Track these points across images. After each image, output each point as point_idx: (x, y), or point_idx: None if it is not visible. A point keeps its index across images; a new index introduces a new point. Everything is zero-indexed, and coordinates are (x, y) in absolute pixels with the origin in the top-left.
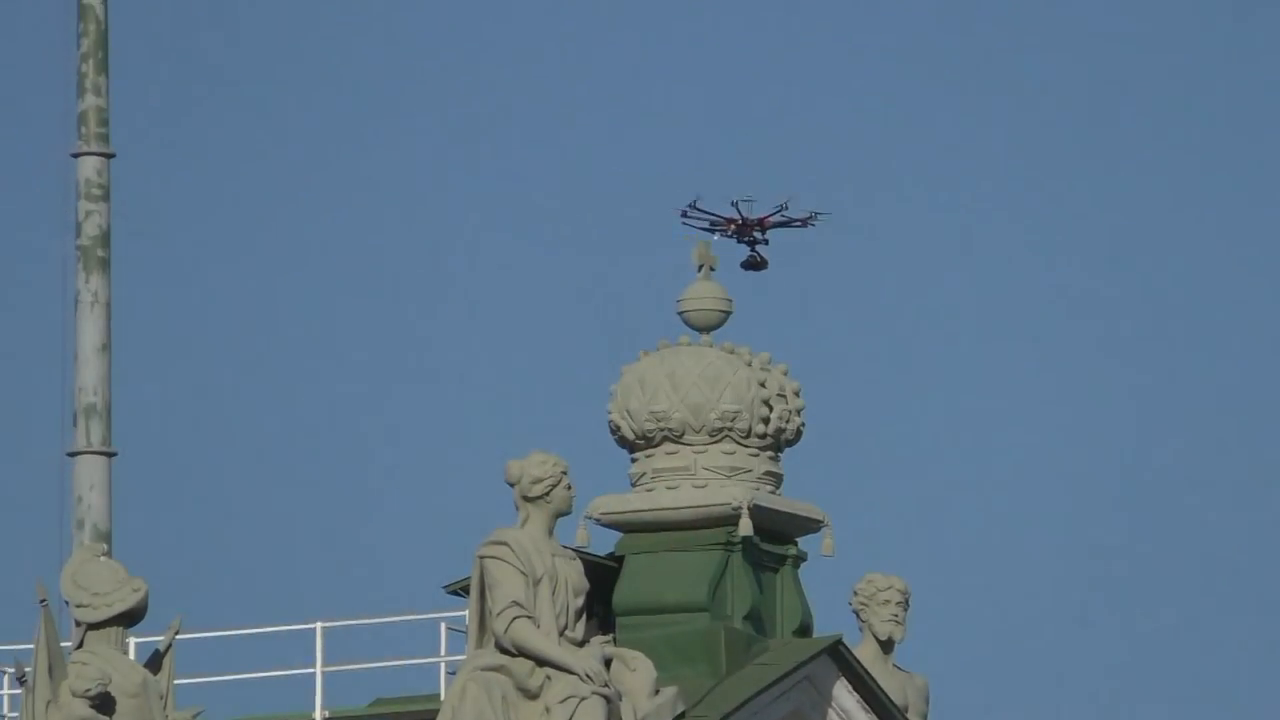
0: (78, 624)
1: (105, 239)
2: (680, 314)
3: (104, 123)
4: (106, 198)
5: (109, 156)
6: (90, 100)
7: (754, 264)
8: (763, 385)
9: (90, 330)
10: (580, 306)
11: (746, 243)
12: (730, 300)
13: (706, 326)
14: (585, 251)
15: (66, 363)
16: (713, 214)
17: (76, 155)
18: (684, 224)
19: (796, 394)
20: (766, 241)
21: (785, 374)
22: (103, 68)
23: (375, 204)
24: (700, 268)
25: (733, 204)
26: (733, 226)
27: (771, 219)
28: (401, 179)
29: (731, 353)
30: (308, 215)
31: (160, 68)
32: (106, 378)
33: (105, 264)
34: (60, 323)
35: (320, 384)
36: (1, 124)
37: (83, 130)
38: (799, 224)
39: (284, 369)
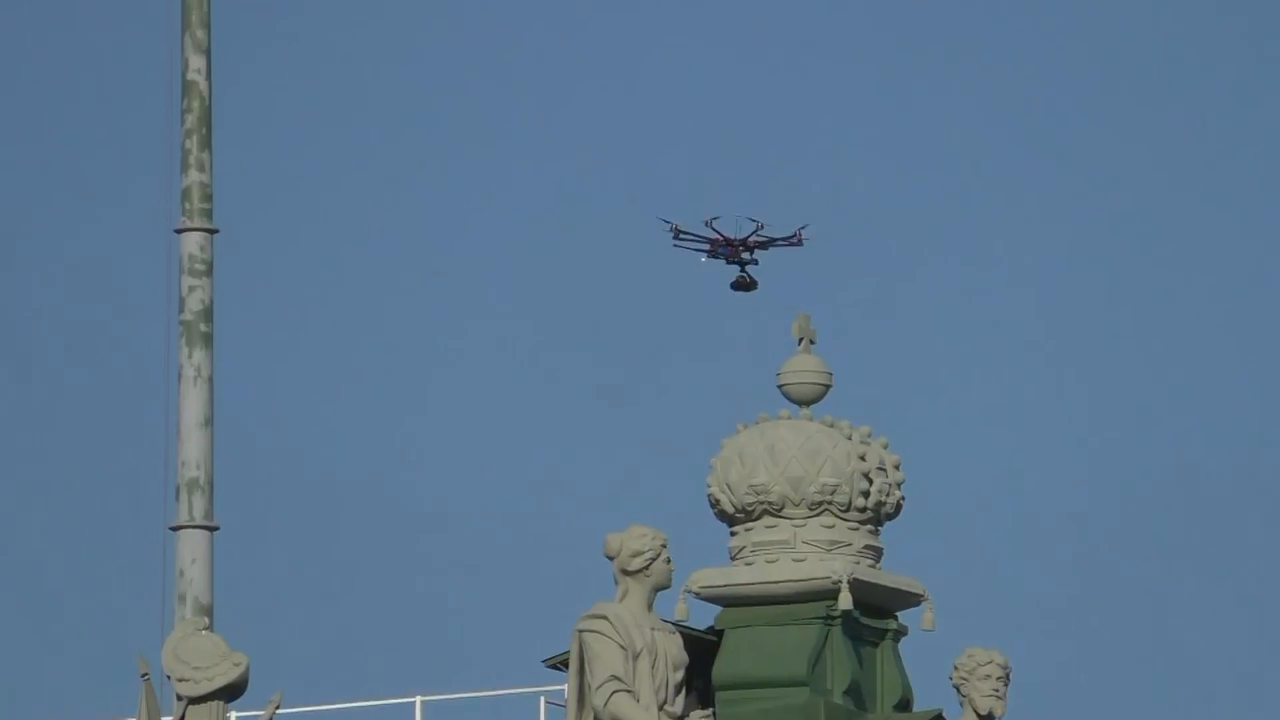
0: (179, 698)
1: (208, 314)
2: (780, 387)
3: (207, 198)
4: (210, 273)
5: (212, 232)
6: (194, 176)
7: (743, 284)
8: (863, 459)
9: (193, 405)
10: (681, 381)
11: (736, 263)
12: (830, 373)
13: (806, 400)
14: (684, 326)
15: (169, 437)
16: (703, 235)
17: (180, 231)
18: (676, 246)
19: (897, 467)
20: (756, 262)
21: (885, 447)
22: (206, 144)
23: (478, 279)
24: (800, 341)
25: (706, 223)
26: (718, 247)
27: (766, 240)
28: (506, 257)
29: (831, 426)
30: (408, 290)
31: (263, 144)
32: (209, 452)
33: (208, 339)
34: (163, 397)
35: (422, 459)
36: (106, 200)
37: (186, 206)
38: (784, 242)
39: (385, 444)
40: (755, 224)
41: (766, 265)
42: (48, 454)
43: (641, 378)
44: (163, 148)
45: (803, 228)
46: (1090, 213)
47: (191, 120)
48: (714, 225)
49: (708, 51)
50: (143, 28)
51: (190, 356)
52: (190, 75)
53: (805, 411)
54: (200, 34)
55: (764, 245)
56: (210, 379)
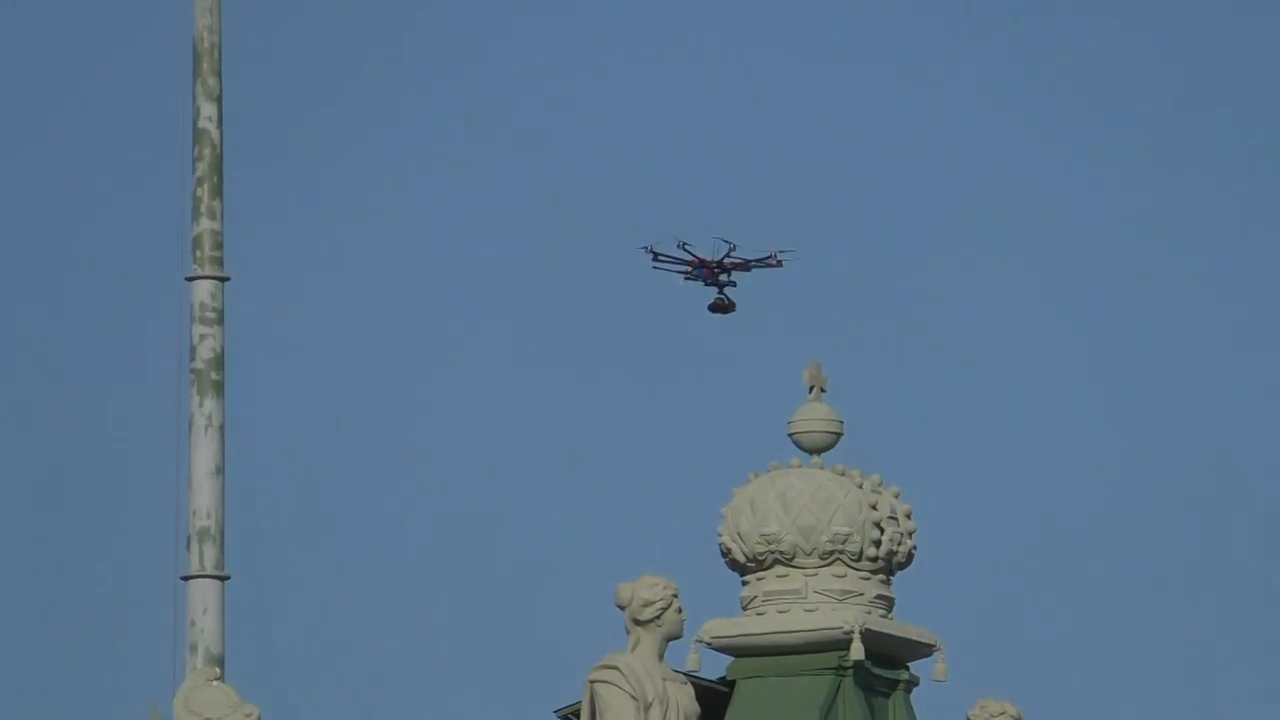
0: None
1: (219, 362)
2: (791, 435)
3: (218, 246)
4: (220, 321)
5: (223, 280)
6: (205, 224)
7: (721, 306)
8: (874, 508)
9: (204, 454)
10: (690, 428)
11: (714, 285)
12: (841, 422)
13: (817, 448)
14: (692, 369)
15: (180, 486)
16: (677, 257)
17: (191, 279)
18: (656, 268)
19: (908, 516)
20: (734, 284)
21: (897, 496)
22: (217, 191)
23: (489, 329)
24: (811, 389)
25: (679, 245)
26: (694, 269)
27: (744, 261)
28: (519, 308)
29: (843, 474)
30: (421, 339)
31: (275, 191)
32: (220, 501)
33: (219, 387)
34: (174, 446)
35: (433, 508)
36: (116, 248)
37: (197, 254)
38: (759, 264)
39: (396, 493)
40: (728, 245)
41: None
42: (58, 502)
43: (651, 426)
44: (173, 195)
45: (780, 251)
46: (1105, 247)
47: (202, 168)
48: (686, 247)
49: (687, 70)
50: (153, 75)
51: (201, 405)
52: (201, 123)
53: (816, 460)
54: (211, 81)
55: (743, 267)
56: (221, 428)
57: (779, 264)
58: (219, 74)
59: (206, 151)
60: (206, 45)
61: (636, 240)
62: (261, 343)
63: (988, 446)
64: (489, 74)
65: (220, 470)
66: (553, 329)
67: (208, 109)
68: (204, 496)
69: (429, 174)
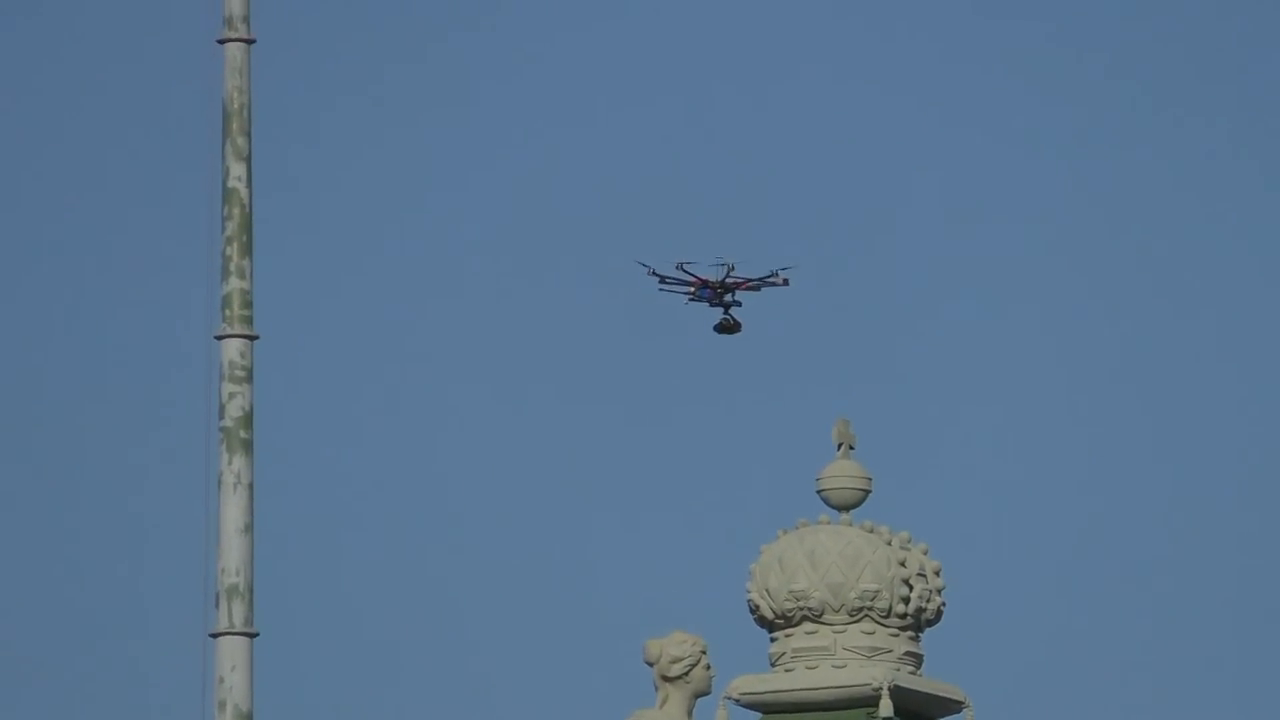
0: None
1: (248, 421)
2: (819, 492)
3: (247, 305)
4: (250, 379)
5: (252, 339)
6: (234, 283)
7: (727, 327)
8: (903, 564)
9: (233, 511)
10: (719, 485)
11: (720, 306)
12: (869, 479)
13: (846, 505)
14: (720, 417)
15: (209, 544)
16: (677, 278)
17: (220, 338)
18: (662, 290)
19: (937, 573)
20: (739, 304)
21: (926, 553)
22: (246, 251)
23: (517, 390)
24: (839, 446)
25: (678, 266)
26: (698, 289)
27: (747, 280)
28: (545, 369)
29: (871, 531)
30: (449, 400)
31: (304, 250)
32: (249, 559)
33: (248, 445)
34: (203, 504)
35: (458, 565)
36: (146, 307)
37: (226, 313)
38: (759, 283)
39: (423, 552)
40: (726, 266)
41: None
42: (89, 559)
43: (680, 481)
44: (203, 254)
45: (783, 269)
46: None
47: (232, 227)
48: (685, 268)
49: (684, 92)
50: (184, 135)
51: (230, 463)
52: (231, 182)
53: (845, 517)
54: (241, 141)
55: (753, 287)
56: (250, 485)
57: (784, 282)
58: (248, 134)
59: (236, 211)
60: (236, 106)
61: (640, 265)
62: (291, 401)
63: (1017, 501)
64: (501, 126)
65: (249, 528)
66: (573, 373)
67: (237, 169)
68: (233, 554)
69: (455, 235)
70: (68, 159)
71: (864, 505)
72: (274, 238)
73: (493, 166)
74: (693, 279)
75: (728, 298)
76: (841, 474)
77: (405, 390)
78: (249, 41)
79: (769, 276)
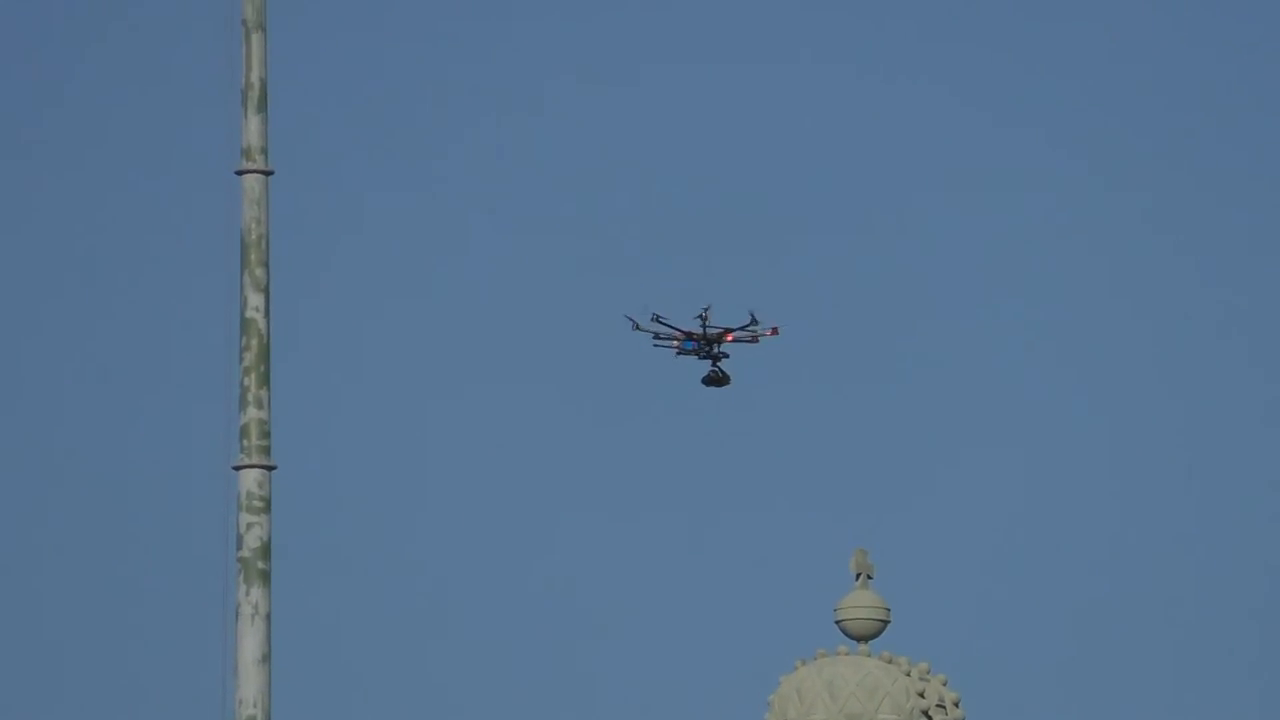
0: None
1: (266, 551)
2: (838, 623)
3: (265, 435)
4: (268, 510)
5: (270, 469)
6: (252, 413)
7: (715, 379)
8: (921, 695)
9: (250, 642)
10: (737, 616)
11: (709, 358)
12: (888, 609)
13: (864, 635)
14: (744, 549)
15: (226, 675)
16: (672, 331)
17: (238, 468)
18: (656, 346)
19: (956, 704)
20: (727, 355)
21: (945, 684)
22: (264, 381)
23: (532, 520)
24: (858, 576)
25: (653, 318)
26: (683, 342)
27: (734, 331)
28: (558, 490)
29: (890, 662)
30: (467, 528)
31: (319, 379)
32: (266, 689)
33: (266, 576)
34: (220, 634)
35: (475, 694)
36: (164, 437)
37: (244, 443)
38: (751, 335)
39: (440, 680)
40: (701, 316)
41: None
42: (108, 693)
43: (698, 614)
44: (221, 384)
45: (755, 316)
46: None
47: (250, 358)
48: (661, 319)
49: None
50: (202, 265)
51: (248, 594)
52: (249, 313)
53: (863, 647)
54: (259, 273)
55: (750, 339)
56: (268, 616)
57: (774, 332)
58: (266, 265)
59: (254, 341)
60: (254, 236)
61: (626, 319)
62: (309, 532)
63: (1036, 630)
64: (501, 257)
65: (267, 659)
66: (589, 490)
67: (255, 299)
68: (250, 685)
69: (468, 359)
70: (89, 289)
71: (882, 635)
72: (292, 367)
73: (497, 291)
74: (676, 331)
75: (716, 349)
76: (860, 605)
77: (424, 521)
78: (267, 173)
79: (750, 324)
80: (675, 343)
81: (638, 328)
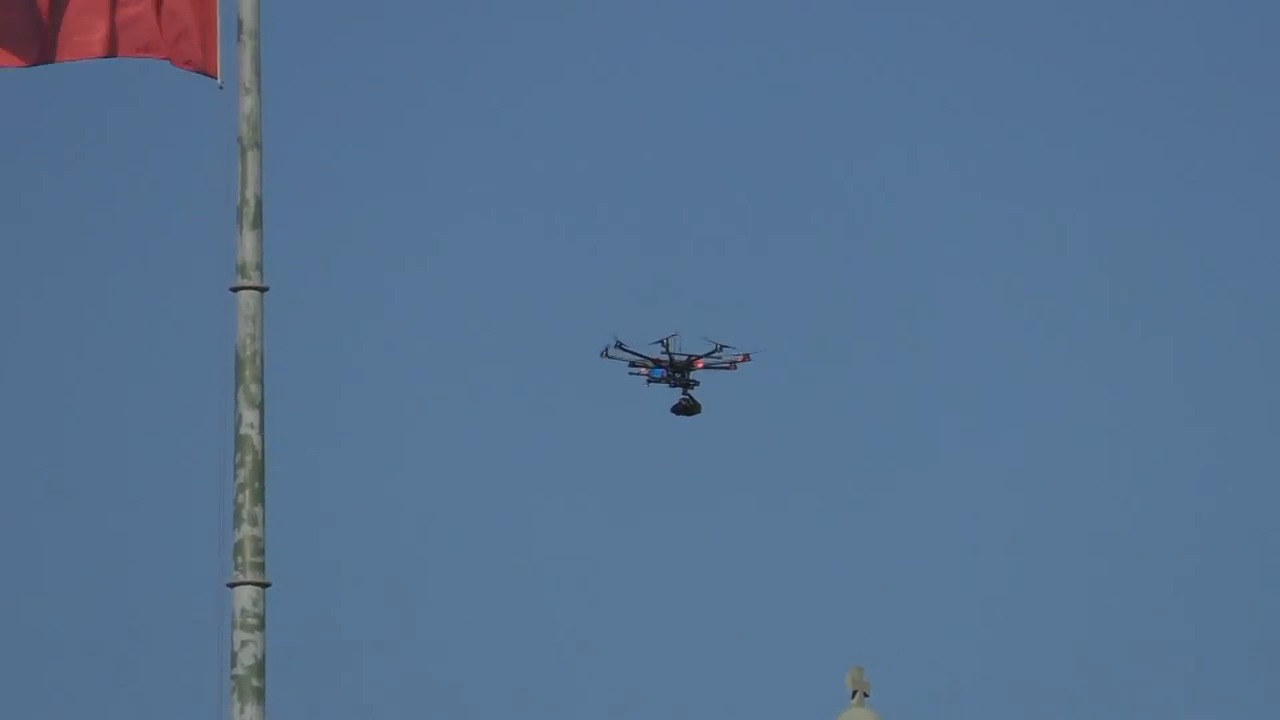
0: None
1: (260, 669)
2: None
3: (259, 552)
4: (262, 627)
5: (264, 586)
6: (246, 530)
7: (685, 408)
8: None
9: None
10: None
11: (679, 385)
12: None
13: None
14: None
15: None
16: (641, 359)
17: (232, 585)
18: (632, 374)
19: None
20: (698, 383)
21: None
22: (259, 497)
23: (527, 632)
24: (854, 694)
25: (617, 344)
26: (651, 369)
27: (704, 359)
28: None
29: None
30: (462, 642)
31: (315, 494)
32: None
33: (260, 694)
34: None
35: None
36: (157, 554)
37: (238, 560)
38: (727, 363)
39: None
40: (661, 342)
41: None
42: None
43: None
44: (215, 501)
45: (720, 349)
46: None
47: (244, 474)
48: (624, 346)
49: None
50: (196, 381)
51: (242, 712)
52: (243, 429)
53: None
54: (254, 388)
55: (729, 366)
56: None
57: (746, 358)
58: (261, 381)
59: (248, 458)
60: (249, 353)
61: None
62: (303, 649)
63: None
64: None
65: None
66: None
67: (250, 416)
68: None
69: (463, 478)
70: (83, 406)
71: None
72: (286, 482)
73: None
74: (643, 359)
75: (686, 376)
76: None
77: (421, 640)
78: (262, 289)
79: (716, 351)
80: (643, 370)
81: (606, 355)
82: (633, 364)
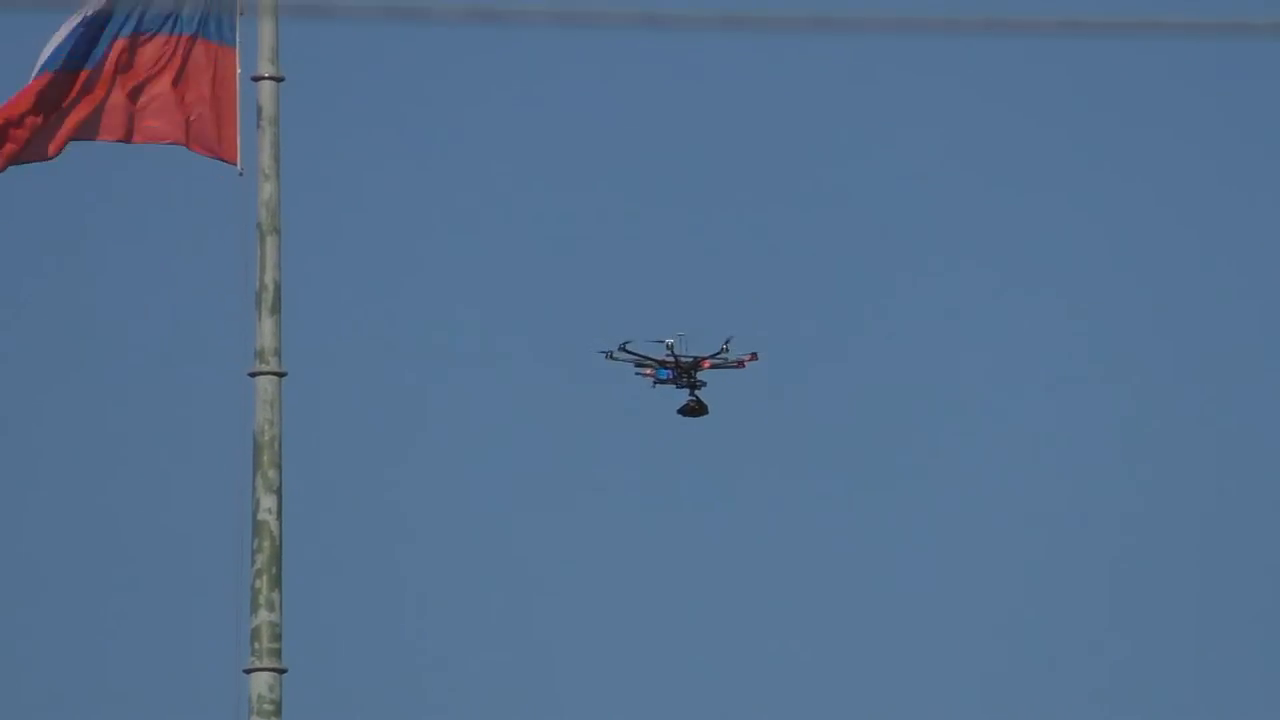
0: None
1: None
2: None
3: (276, 638)
4: (279, 714)
5: (281, 672)
6: (263, 615)
7: (692, 410)
8: None
9: None
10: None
11: (686, 386)
12: None
13: None
14: None
15: None
16: (643, 357)
17: (249, 671)
18: (638, 375)
19: None
20: (704, 384)
21: None
22: (276, 583)
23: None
24: None
25: (621, 346)
26: (656, 370)
27: (711, 360)
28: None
29: None
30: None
31: (333, 580)
32: None
33: None
34: None
35: None
36: (174, 640)
37: (255, 646)
38: (736, 364)
39: None
40: (666, 343)
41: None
42: None
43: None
44: (231, 587)
45: (726, 349)
46: None
47: (262, 560)
48: (628, 348)
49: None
50: (214, 466)
51: None
52: (261, 515)
53: None
54: (272, 474)
55: (736, 364)
56: None
57: (754, 357)
58: (279, 466)
59: (266, 543)
60: (267, 438)
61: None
62: None
63: None
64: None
65: None
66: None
67: (267, 501)
68: None
69: (482, 562)
70: (99, 489)
71: None
72: (303, 568)
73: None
74: (647, 360)
75: (694, 377)
76: None
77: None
78: (280, 374)
79: (722, 351)
80: (649, 372)
81: (611, 357)
82: (638, 365)
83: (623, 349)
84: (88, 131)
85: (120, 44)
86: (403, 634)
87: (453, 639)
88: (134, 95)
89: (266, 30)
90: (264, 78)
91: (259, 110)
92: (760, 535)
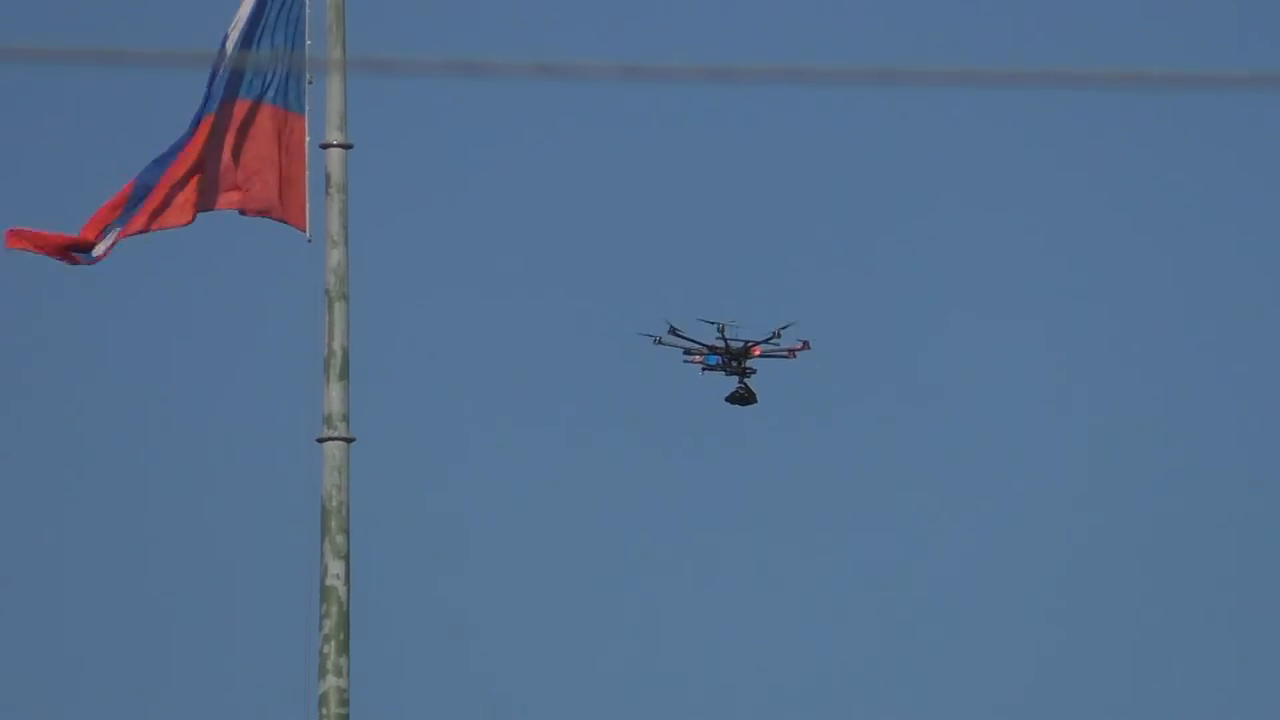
0: None
1: None
2: None
3: (344, 703)
4: None
5: None
6: (331, 681)
7: (741, 398)
8: None
9: None
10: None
11: (735, 374)
12: None
13: None
14: None
15: None
16: (692, 341)
17: None
18: (686, 362)
19: None
20: (754, 371)
21: None
22: (344, 649)
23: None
24: None
25: (670, 330)
26: (704, 356)
27: (761, 346)
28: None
29: None
30: None
31: (400, 646)
32: None
33: None
34: None
35: None
36: (243, 705)
37: (323, 711)
38: (785, 351)
39: None
40: (716, 325)
41: None
42: None
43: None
44: (301, 652)
45: (784, 326)
46: None
47: (329, 626)
48: (677, 332)
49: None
50: (283, 532)
51: None
52: (329, 580)
53: None
54: (340, 539)
55: (788, 354)
56: None
57: (806, 346)
58: (347, 531)
59: (334, 609)
60: (335, 503)
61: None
62: None
63: None
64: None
65: None
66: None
67: (335, 567)
68: None
69: (547, 618)
70: (167, 557)
71: None
72: (372, 636)
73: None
74: (696, 345)
75: (743, 364)
76: None
77: None
78: (348, 440)
79: (773, 337)
80: (698, 358)
81: (660, 342)
82: (686, 351)
83: (672, 332)
84: (164, 218)
85: (208, 119)
86: (470, 698)
87: (521, 703)
88: (204, 169)
89: (335, 97)
90: (332, 145)
91: (327, 177)
92: (761, 536)
